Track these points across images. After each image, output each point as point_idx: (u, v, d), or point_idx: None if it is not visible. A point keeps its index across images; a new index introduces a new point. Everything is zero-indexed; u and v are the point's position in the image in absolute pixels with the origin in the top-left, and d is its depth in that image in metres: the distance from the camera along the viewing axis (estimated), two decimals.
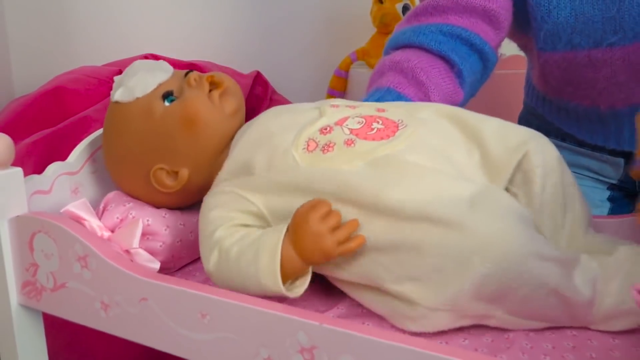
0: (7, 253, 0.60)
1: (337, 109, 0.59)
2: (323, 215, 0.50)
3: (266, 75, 1.71)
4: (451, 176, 0.52)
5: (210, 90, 0.61)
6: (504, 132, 0.56)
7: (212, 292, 0.49)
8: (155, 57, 1.46)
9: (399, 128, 0.55)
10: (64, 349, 0.96)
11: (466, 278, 0.47)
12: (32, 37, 1.51)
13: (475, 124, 0.57)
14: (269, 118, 0.61)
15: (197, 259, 0.67)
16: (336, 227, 0.50)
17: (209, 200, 0.57)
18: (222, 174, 0.59)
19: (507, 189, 0.56)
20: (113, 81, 1.47)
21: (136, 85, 0.62)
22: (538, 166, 0.54)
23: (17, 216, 0.59)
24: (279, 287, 0.50)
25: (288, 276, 0.51)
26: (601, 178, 0.89)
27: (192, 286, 0.50)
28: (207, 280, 0.60)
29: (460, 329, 0.50)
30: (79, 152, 0.69)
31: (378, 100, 0.73)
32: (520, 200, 0.55)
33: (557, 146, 0.90)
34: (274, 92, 1.81)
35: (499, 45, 0.81)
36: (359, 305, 0.54)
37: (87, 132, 1.20)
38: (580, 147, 0.88)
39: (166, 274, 0.64)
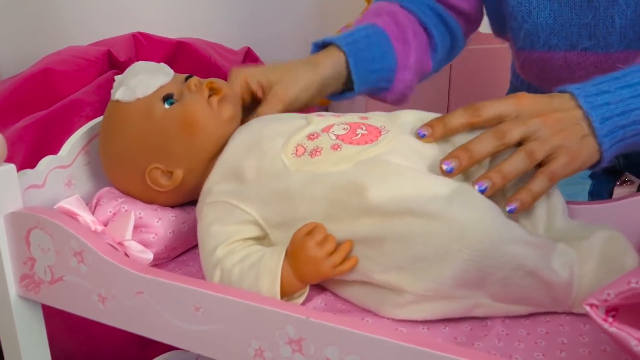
0: (4, 248, 0.62)
1: (323, 118, 0.62)
2: (319, 241, 0.53)
3: (257, 51, 1.71)
4: (430, 175, 0.55)
5: (209, 96, 0.64)
6: (476, 133, 0.59)
7: (205, 286, 0.51)
8: (144, 36, 1.46)
9: (382, 133, 0.58)
10: (63, 333, 0.99)
11: (446, 264, 0.50)
12: (16, 16, 1.50)
13: None
14: (258, 125, 0.63)
15: (191, 249, 0.70)
16: (332, 252, 0.54)
17: (206, 212, 0.60)
18: (213, 176, 0.62)
19: None
20: (102, 61, 1.46)
21: (137, 85, 0.64)
22: None
23: (13, 212, 0.61)
24: None
25: (287, 294, 0.55)
26: None
27: (186, 281, 0.52)
28: (201, 270, 0.62)
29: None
30: (71, 145, 0.70)
31: (372, 34, 0.78)
32: (497, 196, 0.58)
33: None
34: None
35: (468, 36, 0.89)
36: (338, 299, 0.57)
37: (78, 116, 1.21)
38: None
39: (160, 264, 0.67)
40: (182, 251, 0.69)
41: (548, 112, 0.56)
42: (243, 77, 0.71)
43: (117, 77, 0.67)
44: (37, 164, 0.67)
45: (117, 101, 0.65)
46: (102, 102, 1.25)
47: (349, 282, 0.56)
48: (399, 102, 0.84)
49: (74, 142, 0.70)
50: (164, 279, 0.52)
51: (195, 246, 0.69)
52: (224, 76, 1.74)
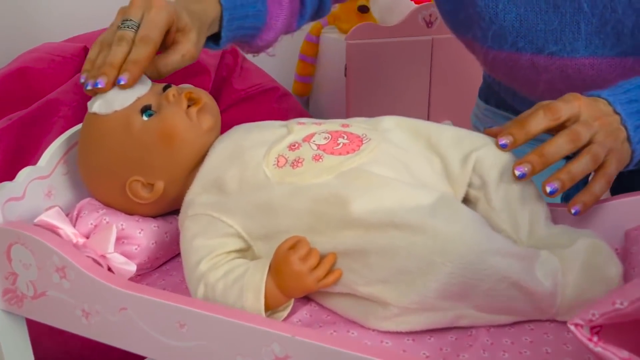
0: None
1: (304, 126, 0.61)
2: (303, 256, 0.53)
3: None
4: (412, 186, 0.55)
5: (188, 106, 0.63)
6: (459, 140, 0.60)
7: (190, 303, 0.50)
8: None
9: (363, 142, 0.58)
10: (47, 336, 0.98)
11: (430, 277, 0.50)
12: None
13: (433, 135, 0.61)
14: (239, 135, 0.63)
15: (174, 257, 0.69)
16: (316, 266, 0.53)
17: (188, 225, 0.59)
18: (194, 187, 0.61)
19: (469, 193, 0.59)
20: (79, 58, 1.44)
21: (115, 98, 0.62)
22: (490, 169, 0.58)
23: None
24: None
25: (271, 308, 0.55)
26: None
27: (170, 297, 0.51)
28: (185, 280, 0.62)
29: None
30: (49, 155, 0.69)
31: None
32: (481, 202, 0.58)
33: None
34: (244, 60, 1.80)
35: (334, 4, 0.92)
36: (323, 310, 0.57)
37: (56, 116, 1.20)
38: None
39: (144, 274, 0.66)
40: (165, 260, 0.69)
41: (601, 115, 0.58)
42: (174, 14, 0.65)
43: None
44: (16, 176, 0.66)
45: (95, 114, 0.64)
46: (80, 101, 1.23)
47: (334, 293, 0.56)
48: (253, 54, 0.85)
49: (52, 152, 0.69)
50: (148, 296, 0.52)
51: (179, 255, 0.69)
52: (203, 69, 1.72)
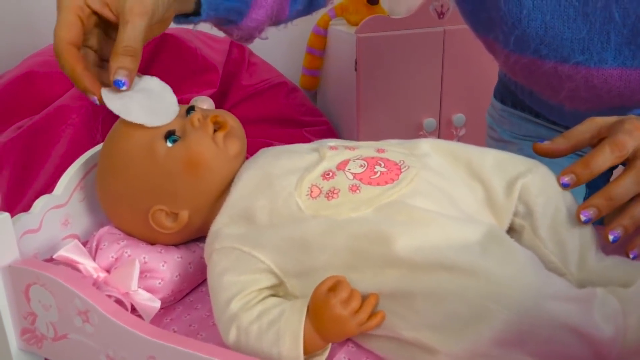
0: (2, 301, 0.58)
1: (336, 151, 0.58)
2: (344, 299, 0.50)
3: None
4: (458, 220, 0.52)
5: (214, 131, 0.59)
6: (502, 165, 0.57)
7: (223, 355, 0.47)
8: None
9: (402, 170, 0.55)
10: None
11: (484, 325, 0.47)
12: None
13: (474, 160, 0.58)
14: (267, 161, 0.59)
15: (197, 287, 0.66)
16: (357, 309, 0.50)
17: (216, 259, 0.56)
18: (221, 217, 0.58)
19: (513, 222, 0.56)
20: None
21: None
22: (537, 196, 0.55)
23: (9, 266, 0.57)
24: None
25: (308, 352, 0.51)
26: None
27: (202, 348, 0.48)
28: (211, 314, 0.59)
29: None
30: (65, 182, 0.66)
31: None
32: (526, 231, 0.55)
33: (531, 121, 0.90)
34: (251, 54, 1.76)
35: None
36: (361, 351, 0.54)
37: (64, 124, 1.16)
38: (553, 124, 0.88)
39: (167, 307, 0.63)
40: (189, 291, 0.66)
41: None
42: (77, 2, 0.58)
43: None
44: (32, 206, 0.63)
45: (116, 138, 0.61)
46: (87, 106, 1.20)
47: (376, 335, 0.53)
48: (245, 40, 0.78)
49: (69, 179, 0.66)
50: (178, 346, 0.49)
51: (202, 284, 0.66)
52: (210, 66, 1.68)
